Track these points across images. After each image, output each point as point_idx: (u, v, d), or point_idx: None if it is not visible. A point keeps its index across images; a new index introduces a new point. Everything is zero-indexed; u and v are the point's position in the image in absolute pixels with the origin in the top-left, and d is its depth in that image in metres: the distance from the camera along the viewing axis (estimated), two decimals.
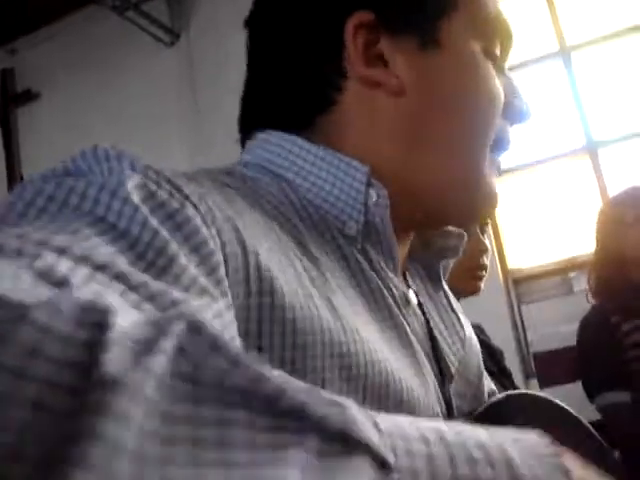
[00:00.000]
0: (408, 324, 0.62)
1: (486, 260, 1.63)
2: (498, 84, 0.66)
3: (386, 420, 0.32)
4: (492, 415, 0.54)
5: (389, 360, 0.55)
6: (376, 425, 0.31)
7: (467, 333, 0.74)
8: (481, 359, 0.76)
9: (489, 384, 0.81)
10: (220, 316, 0.43)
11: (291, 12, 0.67)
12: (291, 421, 0.28)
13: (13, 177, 4.87)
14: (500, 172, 0.71)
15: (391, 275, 0.63)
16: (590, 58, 3.70)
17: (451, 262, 0.80)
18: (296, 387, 0.30)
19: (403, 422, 0.34)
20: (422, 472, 0.31)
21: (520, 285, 3.60)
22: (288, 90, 0.67)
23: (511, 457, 0.35)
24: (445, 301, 0.75)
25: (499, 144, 0.68)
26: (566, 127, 3.65)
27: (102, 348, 0.26)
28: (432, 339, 0.67)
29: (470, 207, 0.69)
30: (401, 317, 0.61)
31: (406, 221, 0.66)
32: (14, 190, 0.46)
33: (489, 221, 1.68)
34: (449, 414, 0.63)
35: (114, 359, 0.26)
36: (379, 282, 0.61)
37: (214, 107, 3.90)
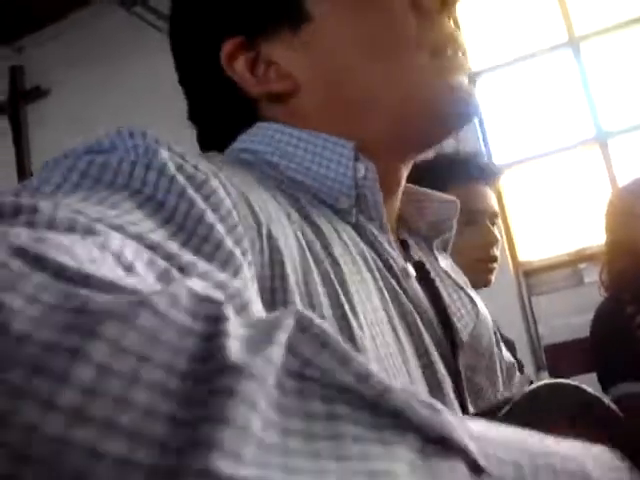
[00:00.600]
0: (408, 296, 0.62)
1: (496, 252, 1.62)
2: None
3: (474, 424, 0.33)
4: (530, 404, 0.54)
5: (387, 334, 0.56)
6: (469, 430, 0.32)
7: (479, 306, 0.74)
8: (492, 333, 0.76)
9: (507, 356, 0.81)
10: (252, 291, 0.44)
11: (182, 62, 0.72)
12: (394, 420, 0.29)
13: (23, 173, 4.89)
14: (465, 69, 0.68)
15: (387, 247, 0.64)
16: (599, 48, 3.68)
17: (452, 234, 0.80)
18: (397, 387, 0.30)
19: (488, 428, 0.35)
20: (509, 479, 0.32)
21: (531, 277, 3.59)
22: (217, 119, 0.71)
23: (590, 473, 0.37)
24: (446, 276, 0.75)
25: (437, 42, 0.66)
26: (576, 118, 3.63)
27: (224, 337, 0.26)
28: (442, 310, 0.68)
29: (442, 115, 0.66)
30: (398, 288, 0.62)
31: (393, 178, 0.68)
32: (43, 168, 0.47)
33: (499, 213, 1.66)
34: (457, 385, 0.63)
35: (238, 347, 0.26)
36: (375, 255, 0.62)
37: None
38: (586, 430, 0.51)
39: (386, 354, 0.55)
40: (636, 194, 2.22)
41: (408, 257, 0.71)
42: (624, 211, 2.23)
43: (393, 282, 0.61)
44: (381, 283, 0.60)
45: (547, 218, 3.60)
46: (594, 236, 3.21)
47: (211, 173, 0.48)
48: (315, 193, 0.63)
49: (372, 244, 0.63)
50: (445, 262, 0.78)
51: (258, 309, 0.42)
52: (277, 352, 0.28)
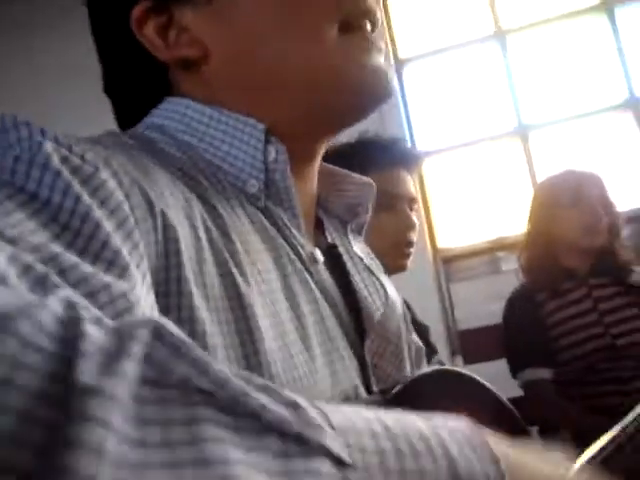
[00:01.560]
0: (315, 281, 0.62)
1: (413, 237, 1.64)
2: None
3: (337, 415, 0.34)
4: (411, 394, 0.56)
5: (287, 322, 0.56)
6: (330, 424, 0.33)
7: (389, 292, 0.75)
8: (402, 320, 0.77)
9: (416, 340, 0.82)
10: (140, 290, 0.43)
11: (97, 30, 0.70)
12: (252, 422, 0.30)
13: None
14: (380, 46, 0.65)
15: (295, 233, 0.64)
16: (524, 42, 3.75)
17: (367, 218, 0.80)
18: (256, 388, 0.31)
19: (352, 416, 0.35)
20: (374, 466, 0.33)
21: (449, 264, 3.65)
22: (130, 91, 0.69)
23: (449, 449, 0.38)
24: (358, 259, 0.75)
25: (353, 15, 0.64)
26: (499, 110, 3.70)
27: (78, 359, 0.27)
28: (351, 294, 0.68)
29: (353, 95, 0.65)
30: (306, 274, 0.62)
31: (306, 161, 0.67)
32: None
33: (418, 199, 1.68)
34: (362, 369, 0.64)
35: (90, 368, 0.27)
36: (283, 240, 0.61)
37: None
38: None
39: (287, 342, 0.55)
40: (563, 187, 2.28)
41: (322, 239, 0.71)
42: (549, 202, 2.29)
43: (301, 269, 0.61)
44: (289, 270, 0.60)
45: (468, 207, 3.66)
46: (512, 225, 3.29)
47: (101, 163, 0.47)
48: (224, 175, 0.61)
49: (280, 229, 0.62)
50: (358, 246, 0.78)
51: (146, 306, 0.43)
52: (131, 366, 0.28)
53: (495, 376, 2.24)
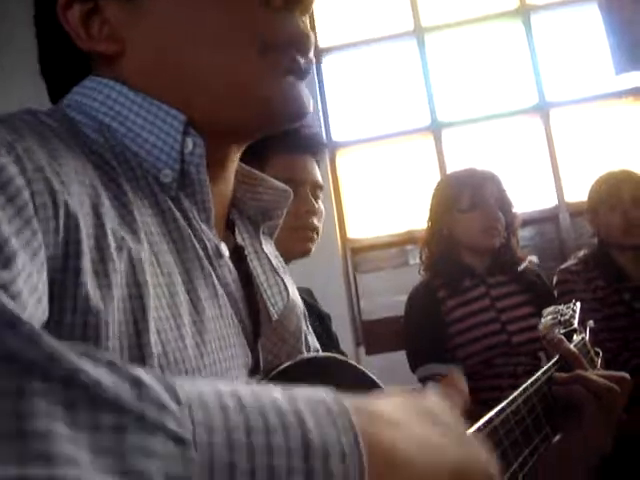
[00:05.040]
0: (217, 275, 0.63)
1: (315, 222, 1.61)
2: None
3: (187, 389, 0.34)
4: (288, 376, 0.56)
5: (185, 316, 0.56)
6: (177, 399, 0.33)
7: (290, 294, 0.76)
8: (302, 321, 0.78)
9: (314, 343, 0.83)
10: (28, 280, 0.43)
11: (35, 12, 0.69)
12: (86, 397, 0.30)
13: None
14: (304, 75, 0.67)
15: (204, 227, 0.64)
16: (442, 41, 3.81)
17: (279, 222, 0.82)
18: (93, 362, 0.32)
19: (205, 390, 0.35)
20: (219, 443, 0.33)
21: (358, 254, 3.69)
22: (59, 72, 0.69)
23: (305, 421, 0.37)
24: (267, 261, 0.77)
25: (277, 39, 0.64)
26: (414, 106, 3.75)
27: None
28: (253, 293, 0.69)
29: (256, 111, 0.65)
30: (209, 268, 0.62)
31: (222, 159, 0.68)
32: None
33: (322, 186, 1.67)
34: (255, 365, 0.65)
35: None
36: (190, 232, 0.62)
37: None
38: None
39: (183, 333, 0.55)
40: (462, 187, 2.30)
41: (231, 239, 0.72)
42: (449, 201, 2.32)
43: (206, 263, 0.62)
44: (193, 264, 0.60)
45: (379, 199, 3.71)
46: (422, 220, 3.34)
47: (5, 147, 0.47)
48: (140, 162, 0.62)
49: (189, 221, 0.62)
50: (268, 247, 0.80)
51: (30, 297, 0.43)
52: None
53: (397, 367, 2.26)
